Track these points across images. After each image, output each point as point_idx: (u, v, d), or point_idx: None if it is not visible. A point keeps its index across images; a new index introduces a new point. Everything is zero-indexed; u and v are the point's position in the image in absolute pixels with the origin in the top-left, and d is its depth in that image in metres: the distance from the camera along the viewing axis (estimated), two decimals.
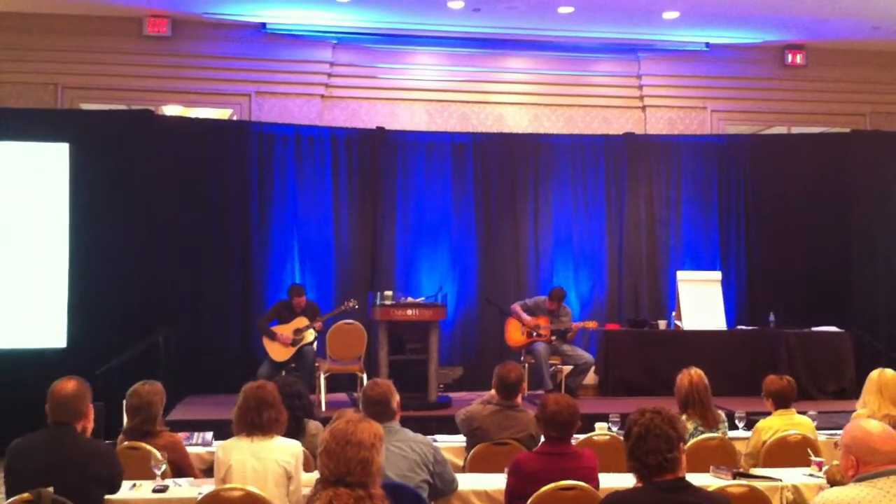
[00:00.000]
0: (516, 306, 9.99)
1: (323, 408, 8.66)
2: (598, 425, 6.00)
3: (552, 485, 4.23)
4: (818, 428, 6.07)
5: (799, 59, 12.00)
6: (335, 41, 11.26)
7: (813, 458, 5.21)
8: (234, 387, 4.82)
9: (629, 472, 3.41)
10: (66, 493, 4.01)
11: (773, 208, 11.53)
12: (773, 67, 12.12)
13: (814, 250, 11.39)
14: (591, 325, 10.21)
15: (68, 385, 4.38)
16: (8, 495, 4.14)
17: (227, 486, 4.31)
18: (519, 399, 5.65)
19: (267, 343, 9.20)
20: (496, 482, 4.77)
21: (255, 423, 4.49)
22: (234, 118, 11.26)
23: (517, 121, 11.76)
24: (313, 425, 5.29)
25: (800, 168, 11.48)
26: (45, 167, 9.68)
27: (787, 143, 12.01)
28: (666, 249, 11.56)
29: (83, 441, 4.39)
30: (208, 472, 5.11)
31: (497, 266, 11.22)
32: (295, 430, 4.98)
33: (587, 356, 9.95)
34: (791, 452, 5.51)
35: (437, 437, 5.94)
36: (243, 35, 11.03)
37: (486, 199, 11.29)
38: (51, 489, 3.95)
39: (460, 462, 5.68)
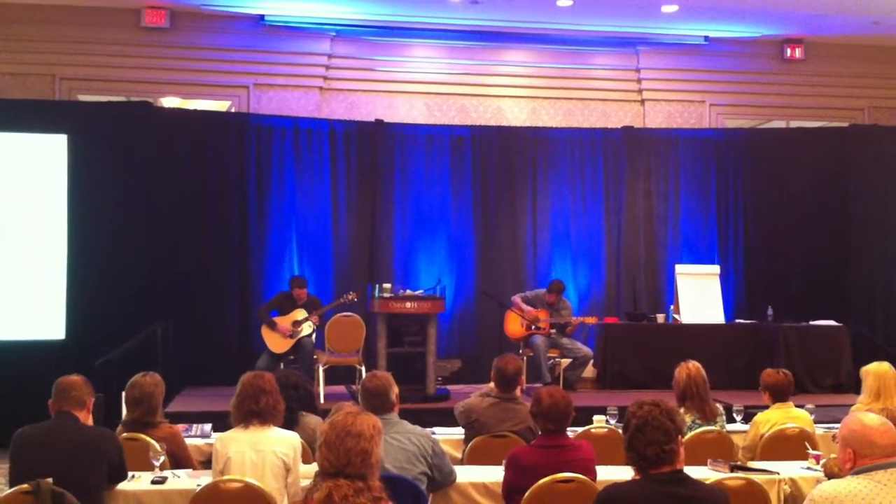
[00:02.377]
0: (517, 298, 10.00)
1: (322, 400, 8.65)
2: (596, 418, 6.02)
3: (550, 477, 4.25)
4: (816, 421, 6.09)
5: (798, 53, 11.99)
6: (334, 33, 11.24)
7: (810, 451, 5.23)
8: (233, 379, 4.83)
9: (627, 464, 3.42)
10: (70, 481, 4.04)
11: (772, 202, 11.53)
12: (772, 61, 12.11)
13: (812, 244, 11.39)
14: (591, 320, 10.21)
15: (73, 377, 4.57)
16: (12, 484, 4.17)
17: (226, 477, 4.33)
18: (517, 392, 5.67)
19: (266, 333, 9.20)
20: (494, 475, 4.78)
21: (252, 411, 4.50)
22: (233, 110, 11.25)
23: (516, 114, 11.76)
24: (312, 419, 5.28)
25: (798, 162, 11.48)
26: (44, 158, 9.66)
27: (785, 138, 12.00)
28: (664, 243, 11.57)
29: (86, 428, 4.46)
30: (207, 464, 5.11)
31: (495, 259, 11.23)
32: (290, 422, 4.97)
33: (585, 349, 9.96)
34: (788, 446, 5.53)
35: (436, 429, 5.95)
36: (242, 27, 11.01)
37: (484, 192, 11.29)
38: (50, 480, 3.97)
39: (459, 454, 5.69)
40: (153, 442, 4.82)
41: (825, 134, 11.97)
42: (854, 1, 10.43)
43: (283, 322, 9.20)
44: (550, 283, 10.08)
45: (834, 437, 3.66)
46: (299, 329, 9.18)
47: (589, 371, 10.20)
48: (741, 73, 12.08)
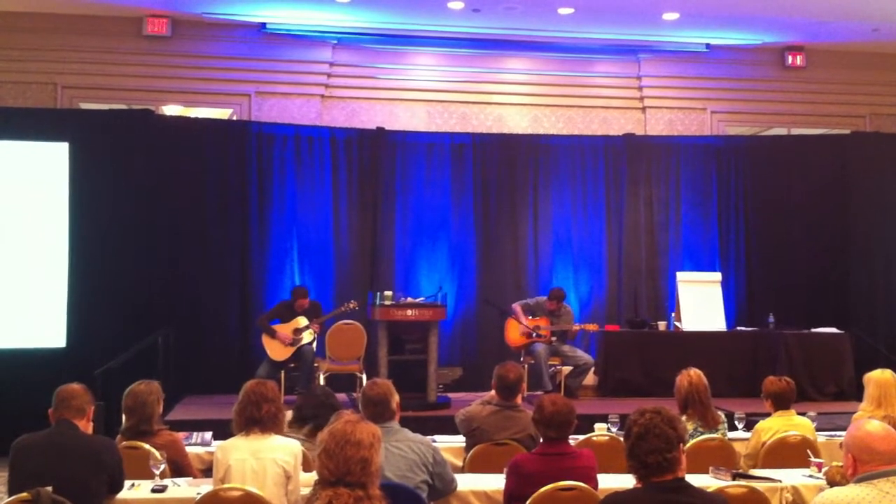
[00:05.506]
0: (517, 306, 9.99)
1: None
2: (597, 426, 6.00)
3: (551, 485, 4.23)
4: (817, 429, 6.07)
5: (799, 60, 12.01)
6: (335, 41, 11.26)
7: (812, 459, 5.21)
8: (233, 387, 4.82)
9: (629, 472, 3.40)
10: (70, 489, 4.04)
11: (773, 209, 11.53)
12: (773, 69, 12.12)
13: (813, 251, 11.38)
14: (592, 327, 10.20)
15: (73, 385, 4.57)
16: (11, 493, 4.16)
17: (226, 485, 4.31)
18: (518, 399, 5.66)
19: (266, 341, 9.20)
20: (495, 483, 4.77)
21: (253, 418, 4.50)
22: (234, 118, 11.26)
23: (517, 121, 11.76)
24: None
25: (799, 169, 11.48)
26: (45, 167, 9.66)
27: (786, 145, 12.00)
28: (665, 250, 11.56)
29: (86, 436, 4.46)
30: (207, 472, 5.10)
31: (496, 266, 11.22)
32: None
33: (587, 357, 9.95)
34: (790, 453, 5.51)
35: (437, 437, 5.93)
36: (243, 35, 11.03)
37: (485, 200, 11.28)
38: (49, 488, 3.96)
39: (459, 462, 5.68)
40: (153, 450, 4.81)
41: (826, 141, 11.98)
42: (854, 8, 10.44)
43: (284, 330, 9.20)
44: (551, 291, 10.07)
45: (841, 444, 3.65)
46: (300, 337, 9.17)
47: (590, 379, 10.18)
48: (742, 80, 12.09)
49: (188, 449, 5.40)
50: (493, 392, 5.67)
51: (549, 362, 9.74)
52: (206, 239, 10.43)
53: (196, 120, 11.06)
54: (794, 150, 11.76)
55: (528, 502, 4.21)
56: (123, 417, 5.17)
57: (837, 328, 10.38)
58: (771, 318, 10.48)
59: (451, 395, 9.51)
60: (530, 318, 9.92)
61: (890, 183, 11.44)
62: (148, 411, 5.07)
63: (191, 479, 4.93)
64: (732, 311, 11.23)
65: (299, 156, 10.88)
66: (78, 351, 9.25)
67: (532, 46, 11.60)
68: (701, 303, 10.62)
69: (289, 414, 5.15)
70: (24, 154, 9.70)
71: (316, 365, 9.19)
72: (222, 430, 5.22)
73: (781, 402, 5.89)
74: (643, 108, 12.01)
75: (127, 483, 4.59)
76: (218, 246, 10.50)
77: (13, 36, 10.48)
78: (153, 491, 4.59)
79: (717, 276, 11.06)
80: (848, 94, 12.27)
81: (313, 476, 3.33)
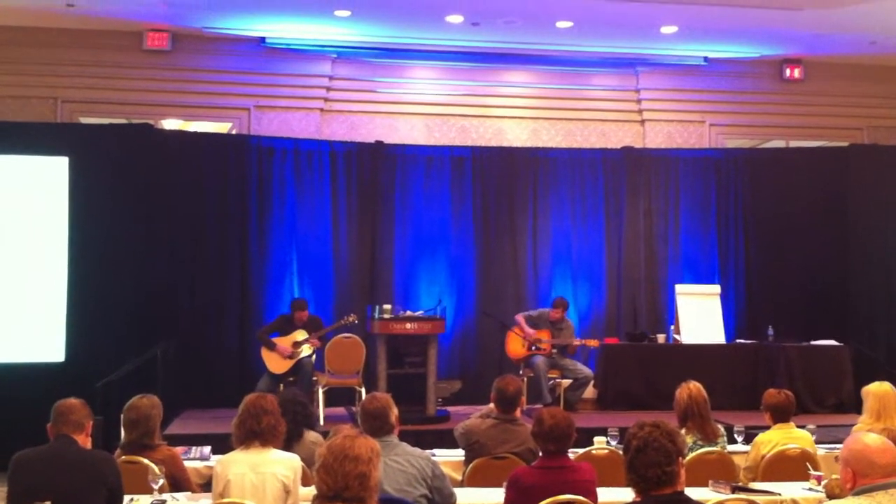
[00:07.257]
0: (520, 318, 10.00)
1: (321, 422, 8.63)
2: (596, 439, 6.00)
3: (550, 499, 4.23)
4: (817, 442, 6.07)
5: (797, 73, 12.04)
6: (334, 55, 11.29)
7: (812, 472, 5.20)
8: (233, 401, 4.82)
9: (628, 485, 3.40)
10: (68, 503, 4.01)
11: (772, 221, 11.53)
12: (772, 81, 12.15)
13: (812, 263, 11.37)
14: (593, 343, 10.17)
15: (71, 400, 4.55)
16: None
17: (226, 500, 4.31)
18: (518, 413, 5.65)
19: (265, 354, 9.20)
20: (495, 496, 4.76)
21: (253, 431, 4.50)
22: (234, 132, 11.28)
23: (516, 134, 11.78)
24: (313, 434, 5.31)
25: (798, 182, 11.49)
26: (45, 181, 9.67)
27: (785, 157, 12.01)
28: (664, 263, 11.56)
29: (85, 451, 4.44)
30: (206, 486, 5.09)
31: (496, 279, 11.22)
32: (294, 436, 5.03)
33: (586, 370, 9.95)
34: (790, 466, 5.50)
35: (436, 451, 5.93)
36: (243, 49, 11.06)
37: (484, 213, 11.30)
38: (48, 503, 3.96)
39: (459, 476, 5.66)
40: (152, 465, 4.80)
41: (825, 153, 12.00)
42: (852, 21, 10.47)
43: (283, 343, 9.20)
44: (555, 300, 10.10)
45: (837, 457, 3.65)
46: (299, 350, 9.17)
47: (589, 392, 10.18)
48: (741, 92, 12.12)
49: (187, 463, 5.40)
50: (492, 405, 5.67)
51: (549, 375, 9.74)
52: (205, 252, 10.44)
53: (196, 134, 11.09)
54: (792, 162, 11.77)
55: None
56: (123, 431, 5.16)
57: (837, 340, 10.38)
58: (770, 331, 10.48)
59: (450, 408, 9.50)
60: (532, 331, 9.92)
61: (888, 195, 11.43)
62: (151, 425, 5.07)
63: (190, 493, 4.93)
64: (732, 323, 11.23)
65: (299, 169, 10.90)
66: (77, 365, 9.23)
67: (531, 60, 11.63)
68: (700, 315, 10.61)
69: None
70: (24, 168, 9.71)
71: (315, 378, 9.18)
72: (221, 444, 5.21)
73: (781, 415, 5.88)
74: (642, 121, 12.04)
75: (126, 498, 4.57)
76: (217, 259, 10.51)
77: (13, 50, 10.51)
78: None
79: (717, 288, 11.06)
80: (846, 107, 12.29)
81: (312, 491, 3.32)
